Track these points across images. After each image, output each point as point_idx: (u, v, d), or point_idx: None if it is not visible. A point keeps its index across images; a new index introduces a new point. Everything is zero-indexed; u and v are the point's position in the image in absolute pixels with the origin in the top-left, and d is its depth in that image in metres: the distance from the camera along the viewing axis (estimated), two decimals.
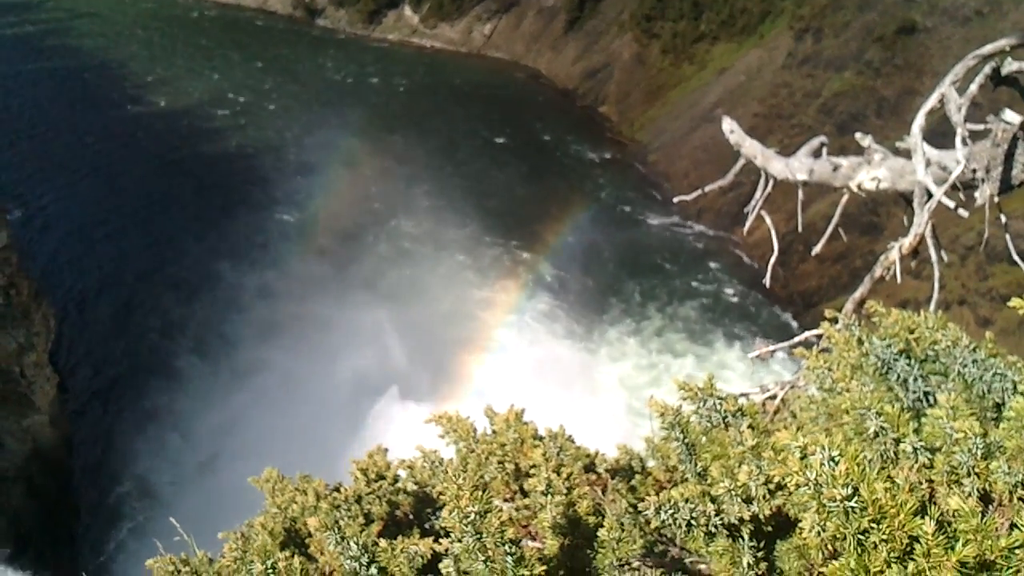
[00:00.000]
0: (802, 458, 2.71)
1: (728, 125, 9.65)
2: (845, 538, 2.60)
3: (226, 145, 79.39)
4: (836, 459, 2.65)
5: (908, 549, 2.64)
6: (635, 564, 4.03)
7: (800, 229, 11.55)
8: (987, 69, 7.48)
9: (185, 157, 76.54)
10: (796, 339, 7.97)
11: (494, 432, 6.60)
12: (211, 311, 57.17)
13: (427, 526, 6.05)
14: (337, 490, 6.12)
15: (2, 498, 42.61)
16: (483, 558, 3.46)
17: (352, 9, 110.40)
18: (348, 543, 3.80)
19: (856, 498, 2.58)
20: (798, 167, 9.30)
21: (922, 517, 2.61)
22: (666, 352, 56.88)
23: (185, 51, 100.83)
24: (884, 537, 2.57)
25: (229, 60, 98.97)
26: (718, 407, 3.95)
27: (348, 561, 3.74)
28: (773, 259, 10.53)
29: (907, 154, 8.23)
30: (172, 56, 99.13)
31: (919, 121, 7.49)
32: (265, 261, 61.17)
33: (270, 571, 3.55)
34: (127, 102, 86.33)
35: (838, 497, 2.59)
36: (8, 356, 43.07)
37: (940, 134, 7.87)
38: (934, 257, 8.14)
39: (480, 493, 3.54)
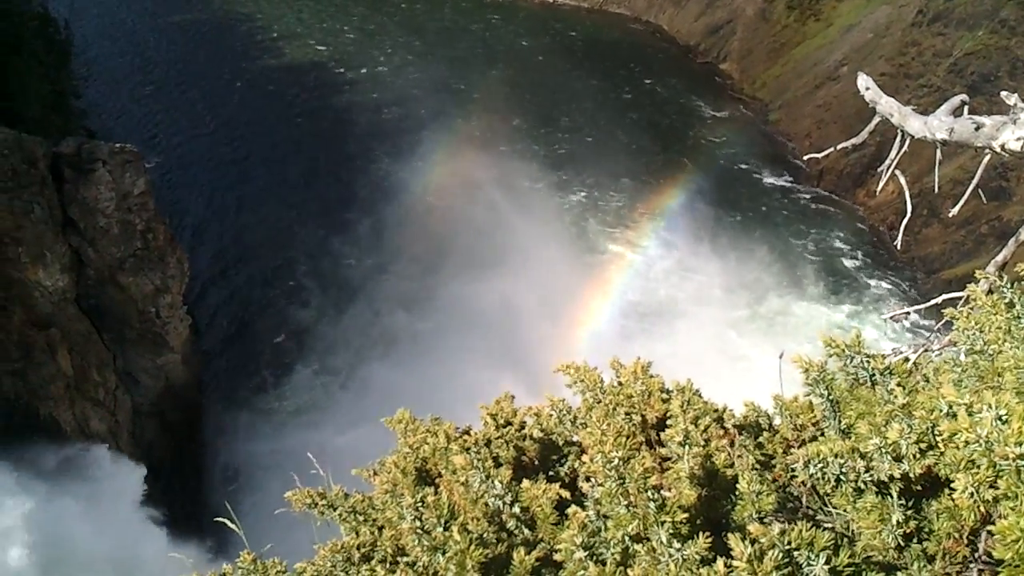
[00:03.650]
0: (969, 415, 2.65)
1: (864, 82, 9.35)
2: (1016, 497, 2.55)
3: (352, 98, 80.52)
4: (1006, 418, 2.59)
5: None
6: (768, 519, 4.02)
7: (937, 189, 11.20)
8: None
9: (313, 109, 78.04)
10: (933, 301, 7.74)
11: (620, 384, 6.60)
12: (338, 261, 58.62)
13: (551, 473, 6.12)
14: (467, 433, 6.23)
15: (137, 431, 44.80)
16: (625, 503, 3.51)
17: None
18: (493, 482, 3.89)
19: None
20: (937, 126, 8.94)
21: None
22: (784, 317, 56.01)
23: (319, 6, 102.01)
24: None
25: (362, 17, 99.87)
26: (865, 364, 3.89)
27: (493, 499, 3.83)
28: (906, 219, 10.22)
29: None
30: (305, 12, 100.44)
31: None
32: (388, 211, 62.14)
33: (419, 504, 3.67)
34: (258, 55, 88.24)
35: (1011, 455, 2.54)
36: (145, 297, 44.99)
37: None
38: None
39: (624, 439, 3.57)
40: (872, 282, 59.07)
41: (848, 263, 60.97)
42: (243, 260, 58.84)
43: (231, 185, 66.27)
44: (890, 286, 58.46)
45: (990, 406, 2.65)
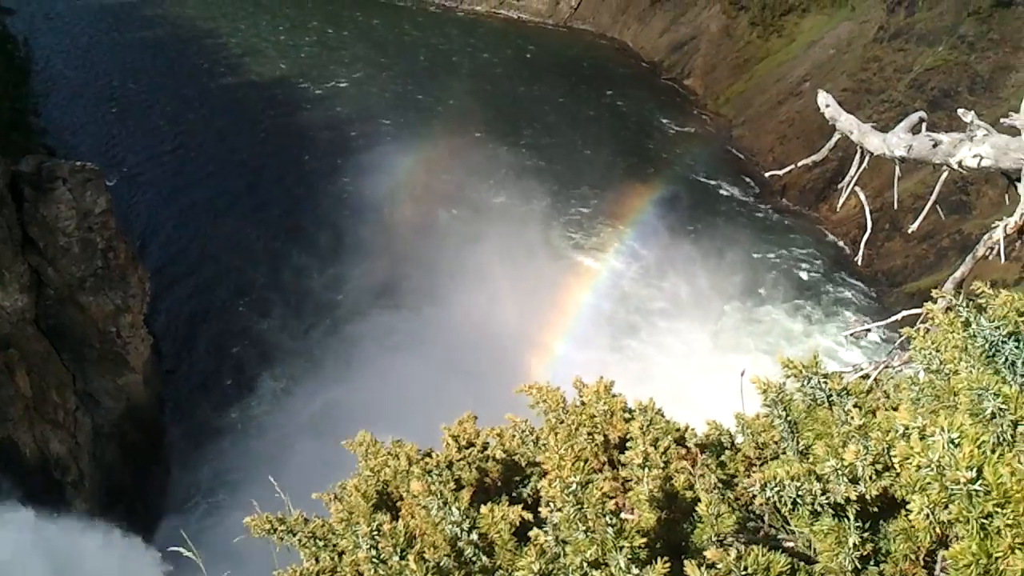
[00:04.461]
0: (922, 439, 2.65)
1: (823, 99, 9.42)
2: (967, 521, 2.55)
3: (317, 115, 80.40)
4: (958, 441, 2.59)
5: None
6: (728, 540, 4.01)
7: (896, 205, 11.31)
8: None
9: (277, 126, 77.81)
10: (892, 317, 7.80)
11: (583, 403, 6.59)
12: (301, 274, 58.52)
13: (515, 494, 6.08)
14: (428, 455, 6.19)
15: (97, 453, 44.16)
16: (583, 528, 3.48)
17: None
18: (450, 508, 3.85)
19: (980, 481, 2.52)
20: (896, 143, 9.02)
21: None
22: (749, 333, 56.33)
23: (276, 22, 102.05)
24: (1009, 522, 2.51)
25: (320, 32, 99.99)
26: (823, 385, 3.89)
27: (450, 526, 3.79)
28: (866, 236, 10.31)
29: (1011, 131, 7.94)
30: (264, 27, 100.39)
31: None
32: (352, 227, 61.99)
33: (375, 533, 3.62)
34: (219, 71, 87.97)
35: (962, 480, 2.54)
36: (106, 317, 44.46)
37: None
38: None
39: (582, 464, 3.55)
40: (836, 295, 59.61)
41: (812, 276, 61.52)
42: (206, 277, 58.45)
43: (193, 202, 65.86)
44: (854, 298, 59.03)
45: (943, 429, 2.65)
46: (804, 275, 61.55)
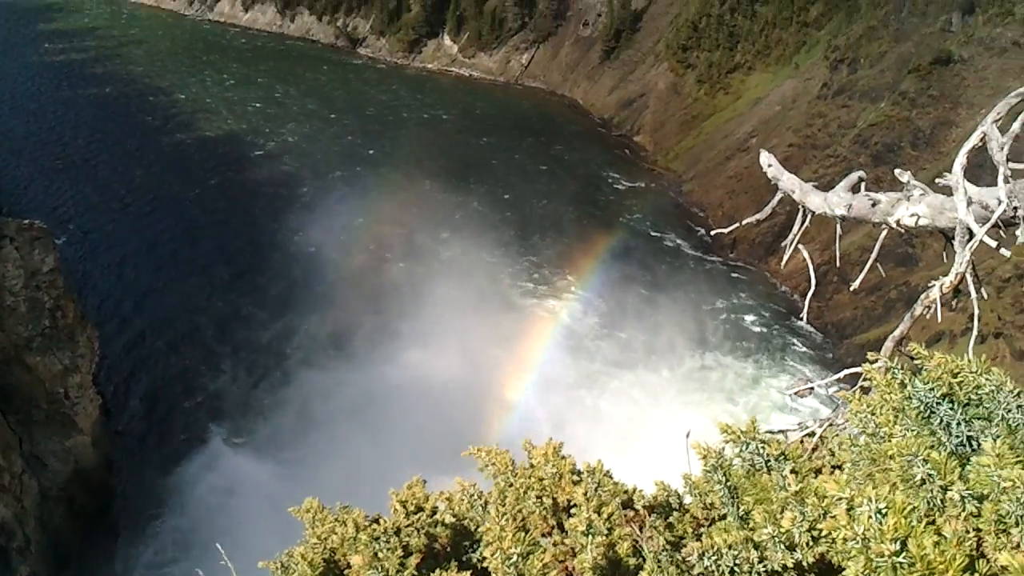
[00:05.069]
0: (849, 510, 2.70)
1: (765, 159, 9.60)
2: None
3: (267, 170, 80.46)
4: (884, 512, 2.64)
5: None
6: None
7: (839, 263, 11.54)
8: None
9: (226, 181, 77.70)
10: (834, 376, 7.91)
11: (532, 466, 6.59)
12: (250, 327, 58.07)
13: (465, 559, 6.04)
14: (376, 521, 6.13)
15: (44, 517, 43.05)
16: None
17: (393, 38, 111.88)
18: None
19: (905, 553, 2.57)
20: (836, 202, 9.21)
21: (971, 574, 2.60)
22: (701, 384, 56.62)
23: (228, 79, 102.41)
24: None
25: (267, 88, 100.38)
26: (760, 451, 3.94)
27: None
28: (810, 294, 10.44)
29: (946, 190, 8.14)
30: (216, 84, 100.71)
31: (960, 160, 7.42)
32: (303, 279, 61.79)
33: None
34: (171, 128, 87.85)
35: (886, 552, 2.58)
36: (53, 377, 43.64)
37: (978, 165, 7.80)
38: (974, 295, 8.03)
39: (523, 535, 3.55)
40: (788, 345, 60.23)
41: (764, 327, 62.13)
42: (155, 333, 57.78)
43: (143, 259, 65.34)
44: (805, 350, 59.69)
45: (870, 500, 2.70)
46: (756, 327, 62.15)
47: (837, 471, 5.10)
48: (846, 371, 7.50)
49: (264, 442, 48.90)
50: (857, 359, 7.78)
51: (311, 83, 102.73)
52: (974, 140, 7.58)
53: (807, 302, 9.21)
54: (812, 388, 8.27)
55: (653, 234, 73.87)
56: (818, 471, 5.37)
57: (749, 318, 63.13)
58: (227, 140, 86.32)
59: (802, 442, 7.75)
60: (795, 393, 8.35)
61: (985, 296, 8.26)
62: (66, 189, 74.76)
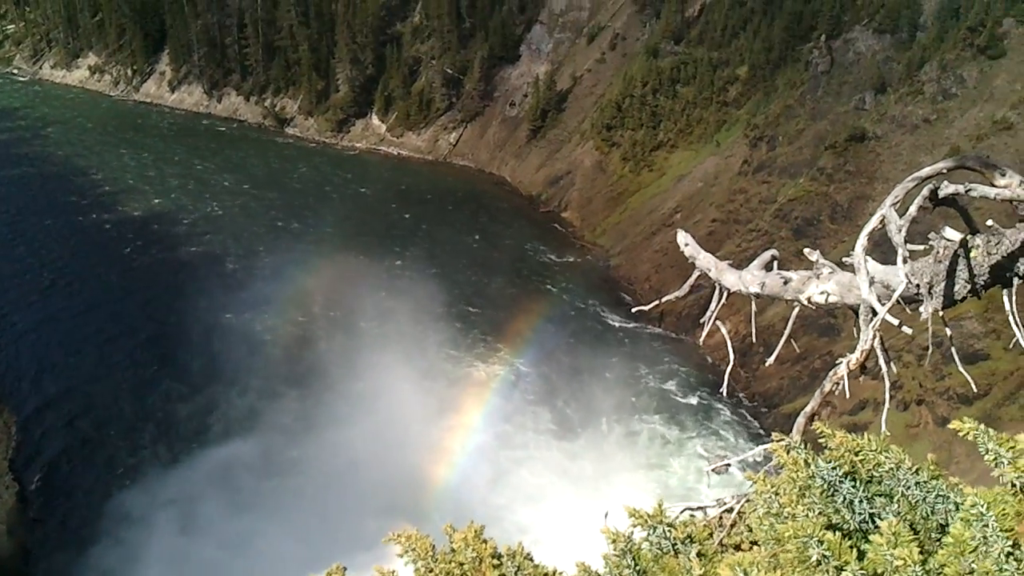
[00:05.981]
0: None
1: (683, 238, 9.86)
2: None
3: (190, 247, 79.76)
4: None
5: None
6: None
7: (754, 339, 11.82)
8: (925, 191, 7.75)
9: (152, 263, 76.71)
10: (749, 453, 8.09)
11: (453, 550, 6.58)
12: (171, 401, 57.12)
13: None
14: None
15: None
16: None
17: (321, 118, 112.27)
18: None
19: None
20: (750, 280, 9.48)
21: None
22: (631, 451, 56.85)
23: (152, 159, 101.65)
24: None
25: (197, 169, 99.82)
26: (667, 534, 4.02)
27: None
28: (729, 368, 10.69)
29: (853, 269, 8.43)
30: (139, 164, 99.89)
31: (861, 241, 7.72)
32: (226, 354, 60.95)
33: None
34: (93, 210, 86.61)
35: None
36: None
37: (886, 241, 8.10)
38: (884, 370, 8.28)
39: None
40: (715, 415, 60.86)
41: (691, 397, 62.74)
42: (75, 415, 56.29)
43: (64, 341, 63.95)
44: (732, 419, 60.36)
45: None
46: (685, 397, 62.74)
47: (755, 546, 5.21)
48: (758, 448, 7.67)
49: (184, 525, 47.57)
50: (785, 428, 7.97)
51: (230, 159, 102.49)
52: (874, 223, 7.89)
53: (726, 377, 9.49)
54: (728, 465, 8.42)
55: (582, 305, 74.54)
56: (738, 547, 5.48)
57: (678, 388, 63.76)
58: (149, 217, 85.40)
59: (721, 518, 7.87)
60: (713, 470, 8.48)
61: (895, 370, 8.53)
62: None
